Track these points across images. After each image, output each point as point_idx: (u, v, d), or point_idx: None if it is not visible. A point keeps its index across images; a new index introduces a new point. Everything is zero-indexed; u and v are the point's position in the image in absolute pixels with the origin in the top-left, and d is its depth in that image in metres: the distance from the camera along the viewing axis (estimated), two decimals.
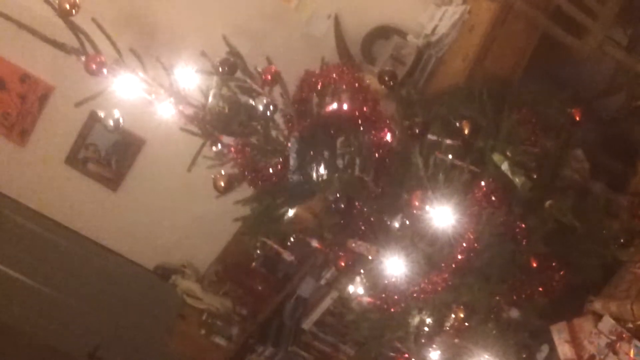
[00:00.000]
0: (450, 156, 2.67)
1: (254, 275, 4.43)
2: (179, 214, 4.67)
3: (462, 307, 2.69)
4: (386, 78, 2.77)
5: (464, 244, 2.58)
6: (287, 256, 3.01)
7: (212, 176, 2.75)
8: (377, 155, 2.80)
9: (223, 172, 2.77)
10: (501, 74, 3.40)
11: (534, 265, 2.75)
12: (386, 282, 2.77)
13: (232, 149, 2.81)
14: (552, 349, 2.90)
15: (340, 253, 2.85)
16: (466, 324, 2.72)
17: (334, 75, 2.82)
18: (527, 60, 3.50)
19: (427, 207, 2.57)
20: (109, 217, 4.73)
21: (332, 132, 2.83)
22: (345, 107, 2.78)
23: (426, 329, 2.83)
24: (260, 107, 2.69)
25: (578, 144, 3.14)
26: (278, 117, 2.88)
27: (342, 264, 2.83)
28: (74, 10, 2.37)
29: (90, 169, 4.53)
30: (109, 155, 4.49)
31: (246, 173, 2.85)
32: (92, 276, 4.96)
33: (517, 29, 3.45)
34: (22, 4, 3.47)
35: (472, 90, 2.99)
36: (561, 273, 2.84)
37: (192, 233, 4.75)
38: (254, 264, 4.29)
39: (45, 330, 5.17)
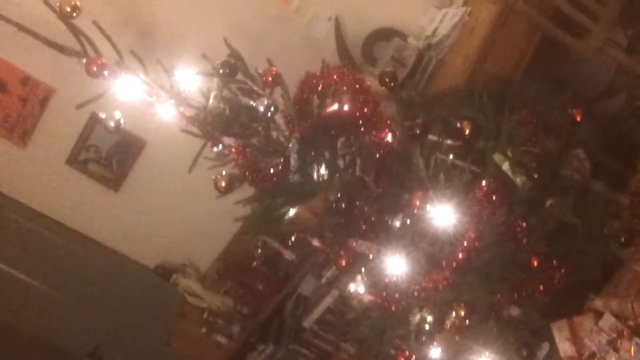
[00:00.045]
0: (451, 156, 2.68)
1: (255, 274, 4.44)
2: (180, 214, 4.68)
3: (462, 305, 2.70)
4: (387, 79, 2.78)
5: (465, 243, 2.59)
6: (288, 255, 3.03)
7: (213, 177, 2.77)
8: (377, 155, 2.81)
9: (224, 173, 2.78)
10: (502, 75, 3.40)
11: (535, 264, 2.76)
12: (387, 280, 2.78)
13: (233, 149, 2.82)
14: (553, 346, 2.91)
15: (341, 252, 2.86)
16: (467, 322, 2.73)
17: (335, 76, 2.82)
18: (527, 62, 3.50)
19: (428, 207, 2.58)
20: (110, 217, 4.73)
21: (333, 133, 2.84)
22: (346, 108, 2.79)
23: (427, 327, 2.84)
24: (261, 109, 2.69)
25: (579, 144, 3.14)
26: (279, 118, 2.89)
27: (343, 262, 2.85)
28: (74, 13, 2.39)
29: (92, 170, 4.54)
30: (110, 156, 4.50)
31: (247, 173, 2.86)
32: (93, 275, 4.96)
33: (518, 30, 3.45)
34: (23, 6, 3.49)
35: (472, 91, 3.00)
36: (562, 272, 2.85)
37: (193, 233, 4.76)
38: (255, 263, 4.28)
39: (46, 330, 5.17)
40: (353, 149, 2.81)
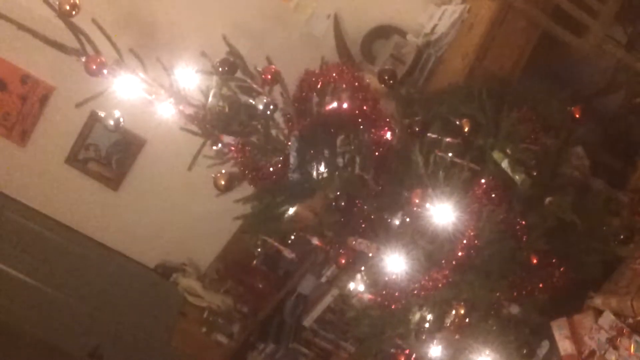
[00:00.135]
0: (450, 154, 2.68)
1: (254, 273, 4.45)
2: (180, 213, 4.69)
3: (462, 303, 2.70)
4: (386, 77, 2.78)
5: (465, 241, 2.59)
6: (288, 254, 3.02)
7: (213, 175, 2.76)
8: (377, 153, 2.81)
9: (223, 171, 2.78)
10: (501, 73, 3.40)
11: (534, 261, 2.75)
12: (387, 279, 2.78)
13: (233, 148, 2.82)
14: (553, 344, 2.91)
15: (341, 251, 2.86)
16: (467, 320, 2.72)
17: (334, 74, 2.82)
18: (526, 59, 3.50)
19: (428, 205, 2.58)
20: (109, 216, 4.74)
21: (332, 130, 2.84)
22: (345, 106, 2.78)
23: (427, 325, 2.83)
24: (261, 107, 2.69)
25: (578, 142, 3.14)
26: (278, 116, 2.89)
27: (343, 261, 2.84)
28: (74, 12, 2.38)
29: (91, 169, 4.54)
30: (110, 154, 4.50)
31: (246, 172, 2.86)
32: (93, 275, 4.96)
33: (517, 27, 3.44)
34: (22, 5, 3.48)
35: (471, 89, 2.99)
36: (561, 269, 2.84)
37: (192, 231, 4.76)
38: (254, 261, 4.29)
39: (46, 329, 5.16)
40: (352, 147, 2.81)
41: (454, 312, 2.71)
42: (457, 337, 2.82)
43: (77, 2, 2.38)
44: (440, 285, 2.66)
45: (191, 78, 2.74)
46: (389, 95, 3.04)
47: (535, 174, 2.76)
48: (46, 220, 4.71)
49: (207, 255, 4.82)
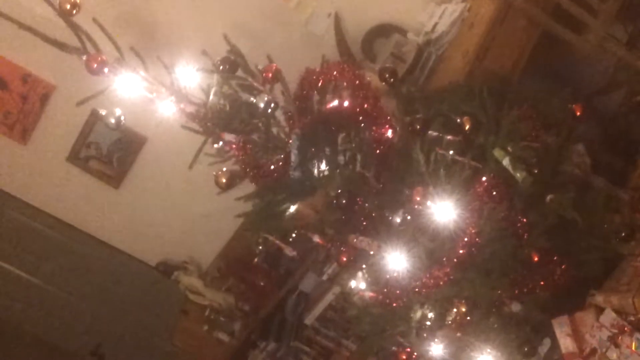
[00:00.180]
0: (451, 152, 2.68)
1: (256, 271, 4.45)
2: (181, 211, 4.69)
3: (463, 301, 2.70)
4: (387, 75, 2.78)
5: (466, 239, 2.59)
6: (289, 252, 3.02)
7: (214, 173, 2.77)
8: (378, 151, 2.81)
9: (225, 169, 2.78)
10: (501, 71, 3.40)
11: (536, 259, 2.75)
12: (388, 277, 2.78)
13: (234, 146, 2.82)
14: (554, 342, 2.91)
15: (342, 248, 2.86)
16: (468, 318, 2.73)
17: (335, 72, 2.82)
18: (527, 57, 3.50)
19: (429, 203, 2.58)
20: (111, 214, 4.74)
21: (333, 128, 2.84)
22: (346, 104, 2.79)
23: (428, 323, 2.84)
24: (261, 105, 2.69)
25: (579, 139, 3.14)
26: (279, 115, 2.89)
27: (344, 259, 2.84)
28: (74, 10, 2.38)
29: (92, 167, 4.55)
30: (111, 153, 4.51)
31: (248, 170, 2.86)
32: (95, 273, 4.98)
33: (517, 26, 3.45)
34: (23, 4, 3.48)
35: (472, 87, 2.99)
36: (562, 267, 2.85)
37: (194, 229, 4.77)
38: (256, 259, 4.30)
39: (47, 328, 5.18)
40: (353, 145, 2.81)
41: (455, 309, 2.72)
42: (458, 334, 2.82)
43: (78, 0, 2.38)
44: (441, 283, 2.66)
45: (192, 76, 2.74)
46: (389, 93, 3.04)
47: (536, 171, 2.76)
48: (47, 218, 4.71)
49: (209, 253, 4.83)
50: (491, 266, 2.69)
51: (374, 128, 2.79)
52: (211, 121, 2.80)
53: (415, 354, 2.94)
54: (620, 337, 2.65)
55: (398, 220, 2.83)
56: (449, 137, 2.73)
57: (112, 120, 2.60)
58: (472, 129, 2.77)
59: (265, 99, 2.69)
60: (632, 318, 2.67)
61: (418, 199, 2.57)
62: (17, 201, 4.66)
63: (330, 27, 4.14)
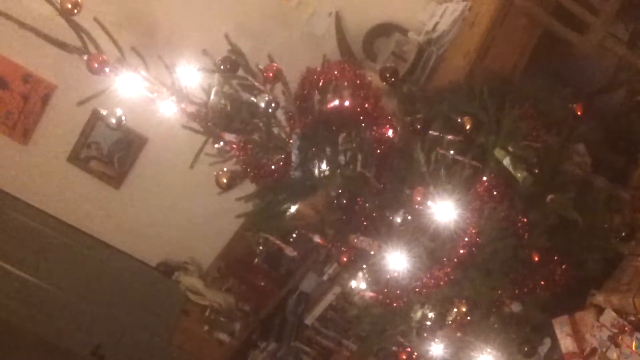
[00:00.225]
0: (451, 152, 2.68)
1: (256, 271, 4.45)
2: (182, 211, 4.69)
3: (464, 301, 2.70)
4: (387, 75, 2.78)
5: (466, 239, 2.59)
6: (290, 252, 3.02)
7: (215, 173, 2.77)
8: (378, 151, 2.81)
9: (225, 169, 2.78)
10: (502, 71, 3.40)
11: (536, 259, 2.75)
12: (388, 277, 2.78)
13: (234, 146, 2.82)
14: (554, 342, 2.91)
15: (343, 248, 2.86)
16: (468, 318, 2.73)
17: (336, 72, 2.82)
18: (528, 57, 3.50)
19: (429, 203, 2.58)
20: (111, 214, 4.74)
21: (334, 128, 2.84)
22: (347, 103, 2.79)
23: (428, 323, 2.84)
24: (262, 105, 2.69)
25: (580, 139, 3.14)
26: (280, 114, 2.89)
27: (345, 259, 2.84)
28: (76, 10, 2.38)
29: (93, 167, 4.55)
30: (112, 153, 4.51)
31: (248, 170, 2.86)
32: (95, 273, 4.98)
33: (518, 25, 3.45)
34: (24, 3, 3.49)
35: (473, 86, 2.99)
36: (563, 267, 2.85)
37: (194, 230, 4.77)
38: (256, 260, 4.30)
39: (47, 328, 5.18)
40: (354, 145, 2.81)
41: (455, 309, 2.72)
42: (458, 334, 2.82)
43: (79, 0, 2.38)
44: (441, 283, 2.66)
45: (193, 76, 2.74)
46: (390, 93, 3.04)
47: (536, 171, 2.76)
48: (48, 218, 4.72)
49: (209, 253, 4.83)
50: (492, 266, 2.69)
51: (374, 128, 2.79)
52: (212, 121, 2.80)
53: (415, 354, 2.94)
54: (620, 337, 2.66)
55: (399, 220, 2.83)
56: (449, 136, 2.73)
57: (113, 120, 2.59)
58: (473, 128, 2.77)
59: (266, 98, 2.69)
60: (632, 318, 2.67)
61: (419, 198, 2.57)
62: (18, 201, 4.66)
63: (331, 26, 4.14)
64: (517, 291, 2.83)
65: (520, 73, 3.48)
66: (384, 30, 4.13)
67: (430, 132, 2.75)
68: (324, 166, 2.83)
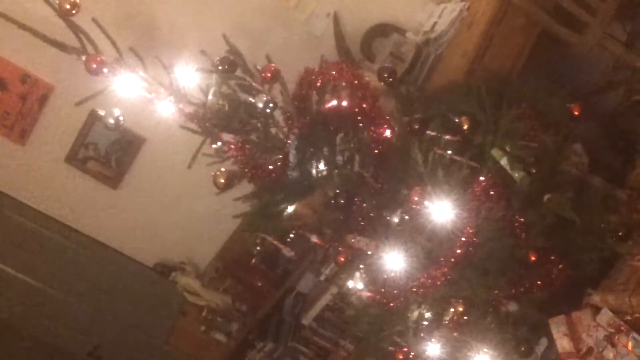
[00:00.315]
0: (449, 152, 2.68)
1: (253, 272, 4.45)
2: (179, 211, 4.69)
3: (461, 301, 2.70)
4: (385, 75, 2.78)
5: (463, 239, 2.60)
6: (287, 252, 3.02)
7: (212, 173, 2.77)
8: (376, 151, 2.81)
9: (223, 169, 2.78)
10: (500, 71, 3.41)
11: (533, 259, 2.76)
12: (385, 277, 2.78)
13: (232, 146, 2.82)
14: (551, 342, 2.92)
15: (340, 248, 2.87)
16: (465, 318, 2.73)
17: (334, 72, 2.82)
18: (526, 57, 3.51)
19: (427, 202, 2.58)
20: (109, 215, 4.74)
21: (331, 128, 2.85)
22: (344, 104, 2.79)
23: (425, 323, 2.84)
24: (260, 105, 2.69)
25: (577, 139, 3.15)
26: (278, 115, 2.89)
27: (342, 259, 2.85)
28: (74, 10, 2.38)
29: (91, 168, 4.54)
30: (109, 153, 4.50)
31: (246, 170, 2.86)
32: (92, 274, 4.97)
33: (516, 25, 3.45)
34: (22, 4, 3.48)
35: (471, 86, 3.00)
36: (560, 267, 2.85)
37: (192, 230, 4.77)
38: (253, 260, 4.28)
39: (45, 329, 5.17)
40: (352, 145, 2.82)
41: (452, 309, 2.72)
42: (455, 334, 2.83)
43: (77, 1, 2.37)
44: (438, 282, 2.67)
45: (191, 76, 2.74)
46: (388, 93, 3.05)
47: (534, 171, 2.77)
48: (45, 219, 4.71)
49: (206, 253, 4.82)
50: (489, 266, 2.69)
51: (372, 128, 2.79)
52: (210, 121, 2.80)
53: (412, 353, 2.94)
54: (616, 337, 2.66)
55: (396, 220, 2.83)
56: (447, 137, 2.73)
57: (111, 121, 2.59)
58: (471, 128, 2.78)
59: (264, 99, 2.69)
60: (628, 317, 2.68)
61: (416, 198, 2.57)
62: (16, 202, 4.65)
63: (329, 27, 4.14)
64: (513, 291, 2.84)
65: (518, 73, 3.49)
66: (382, 30, 4.13)
67: (428, 132, 2.75)
68: (321, 166, 2.83)
